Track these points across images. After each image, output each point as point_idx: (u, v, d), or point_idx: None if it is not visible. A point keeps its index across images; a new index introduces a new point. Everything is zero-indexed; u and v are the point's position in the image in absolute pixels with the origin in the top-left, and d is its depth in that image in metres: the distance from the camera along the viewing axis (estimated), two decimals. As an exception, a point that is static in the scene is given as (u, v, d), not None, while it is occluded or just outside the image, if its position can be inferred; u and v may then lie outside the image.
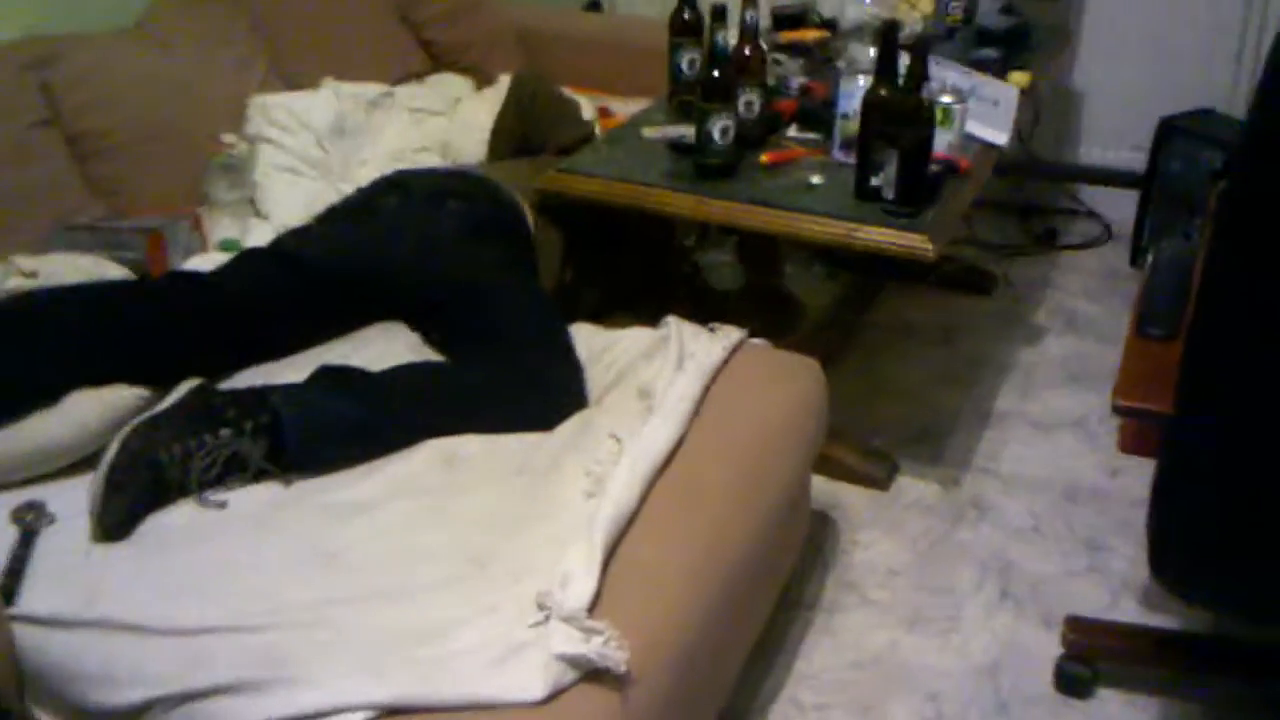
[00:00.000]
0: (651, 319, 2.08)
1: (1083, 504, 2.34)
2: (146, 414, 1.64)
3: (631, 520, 1.58)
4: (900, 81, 2.00)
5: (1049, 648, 1.96)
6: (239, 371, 1.89)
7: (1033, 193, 3.56)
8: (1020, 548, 2.22)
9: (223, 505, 1.61)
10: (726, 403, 1.84)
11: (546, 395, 1.84)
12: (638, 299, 2.42)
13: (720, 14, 2.17)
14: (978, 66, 2.53)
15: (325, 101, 2.54)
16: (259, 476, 1.65)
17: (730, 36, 2.26)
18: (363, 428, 1.71)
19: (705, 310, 2.19)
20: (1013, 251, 3.36)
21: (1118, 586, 2.12)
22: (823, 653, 1.98)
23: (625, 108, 3.04)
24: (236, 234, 2.26)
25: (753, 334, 2.05)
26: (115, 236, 2.11)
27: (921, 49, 1.99)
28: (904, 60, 2.00)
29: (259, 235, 2.26)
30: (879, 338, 2.94)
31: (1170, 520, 1.51)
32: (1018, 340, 2.93)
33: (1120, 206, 3.46)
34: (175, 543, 1.54)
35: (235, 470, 1.64)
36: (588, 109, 2.84)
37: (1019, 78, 2.56)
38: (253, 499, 1.62)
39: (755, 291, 2.42)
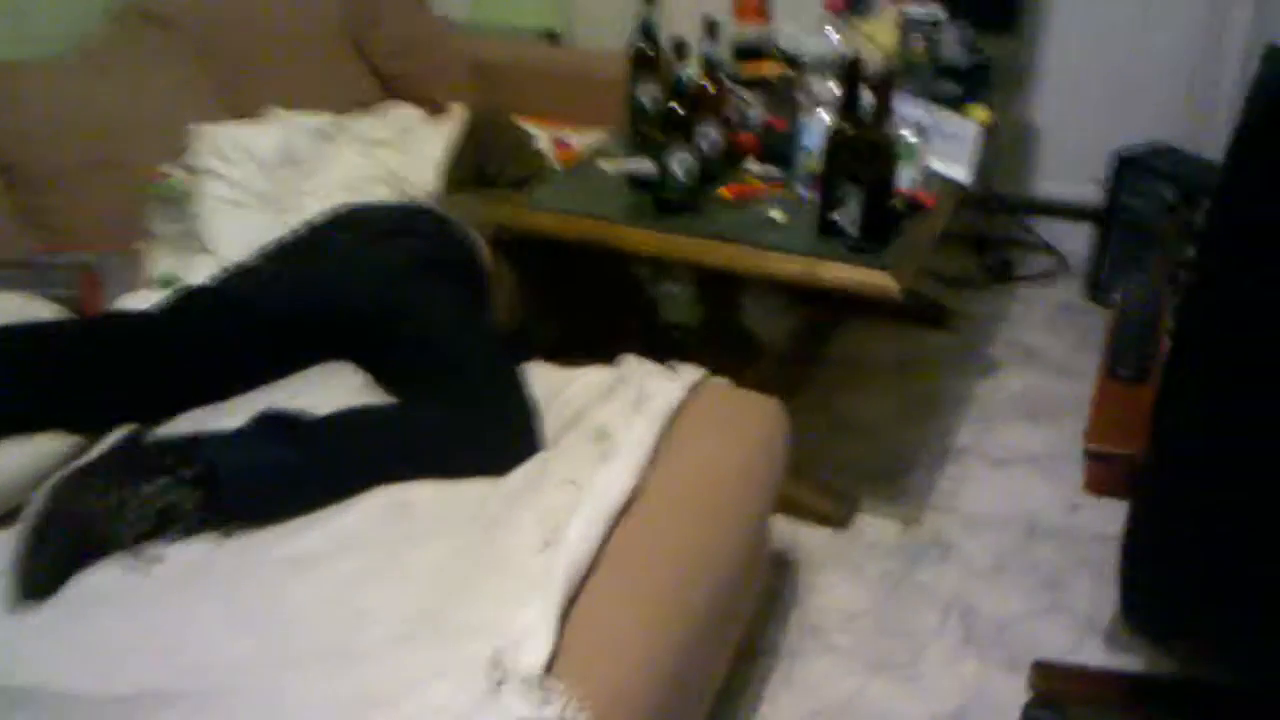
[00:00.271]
0: (608, 356, 2.03)
1: (1043, 541, 2.31)
2: (75, 463, 1.57)
3: (589, 573, 1.52)
4: (864, 118, 1.97)
5: (1015, 693, 1.92)
6: (176, 416, 1.82)
7: (987, 225, 3.56)
8: (982, 588, 2.18)
9: (157, 561, 1.53)
10: (686, 446, 1.79)
11: (500, 439, 1.78)
12: (594, 335, 2.36)
13: (681, 48, 2.14)
14: (938, 101, 2.52)
15: (272, 131, 2.47)
16: (195, 529, 1.57)
17: (691, 70, 2.23)
18: (305, 476, 1.64)
19: (663, 346, 2.14)
20: (967, 284, 3.35)
21: (1082, 626, 2.09)
22: (785, 702, 1.93)
23: (582, 139, 2.99)
24: (177, 269, 2.18)
25: (712, 372, 2.00)
26: (46, 273, 2.02)
27: (885, 85, 1.96)
28: (867, 96, 1.97)
29: (201, 270, 2.18)
30: (836, 372, 2.90)
31: (1142, 564, 1.48)
32: (974, 375, 2.91)
33: (1075, 239, 3.47)
34: (106, 603, 1.46)
35: (170, 523, 1.55)
36: (543, 141, 2.80)
37: (979, 113, 2.54)
38: (189, 554, 1.54)
39: (713, 327, 2.38)
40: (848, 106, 2.00)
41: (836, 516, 2.34)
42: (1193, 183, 3.05)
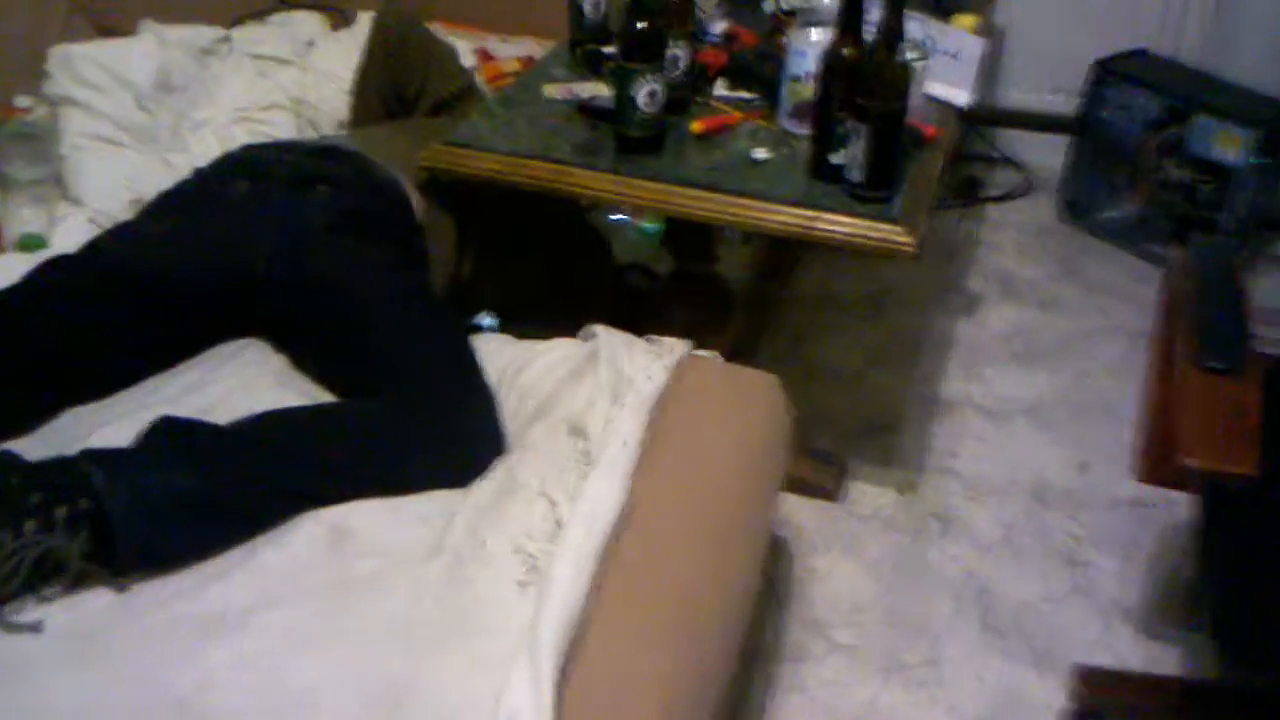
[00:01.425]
0: (565, 316, 1.72)
1: (1054, 507, 2.08)
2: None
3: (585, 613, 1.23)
4: (867, 37, 1.65)
5: (1048, 695, 1.71)
6: (50, 418, 1.47)
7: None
8: (994, 567, 1.95)
9: (35, 628, 1.19)
10: (678, 441, 1.49)
11: (456, 440, 1.46)
12: (549, 292, 2.04)
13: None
14: (920, 7, 2.21)
15: (146, 50, 2.06)
16: (81, 581, 1.23)
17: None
18: (216, 506, 1.30)
19: (628, 304, 1.83)
20: (935, 206, 3.07)
21: (1108, 609, 1.87)
22: (795, 716, 1.68)
23: (509, 49, 2.64)
24: (40, 227, 1.79)
25: (686, 330, 1.71)
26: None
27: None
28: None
29: (70, 228, 1.80)
30: (803, 314, 2.62)
31: (1252, 594, 1.23)
32: (954, 310, 2.65)
33: (1041, 154, 3.21)
34: (-34, 693, 1.13)
35: (49, 575, 1.22)
36: (465, 54, 2.42)
37: (967, 20, 2.23)
38: (75, 616, 1.21)
39: (683, 279, 2.07)
40: (849, 25, 1.68)
41: (827, 487, 2.08)
42: (1175, 92, 2.80)
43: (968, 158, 3.22)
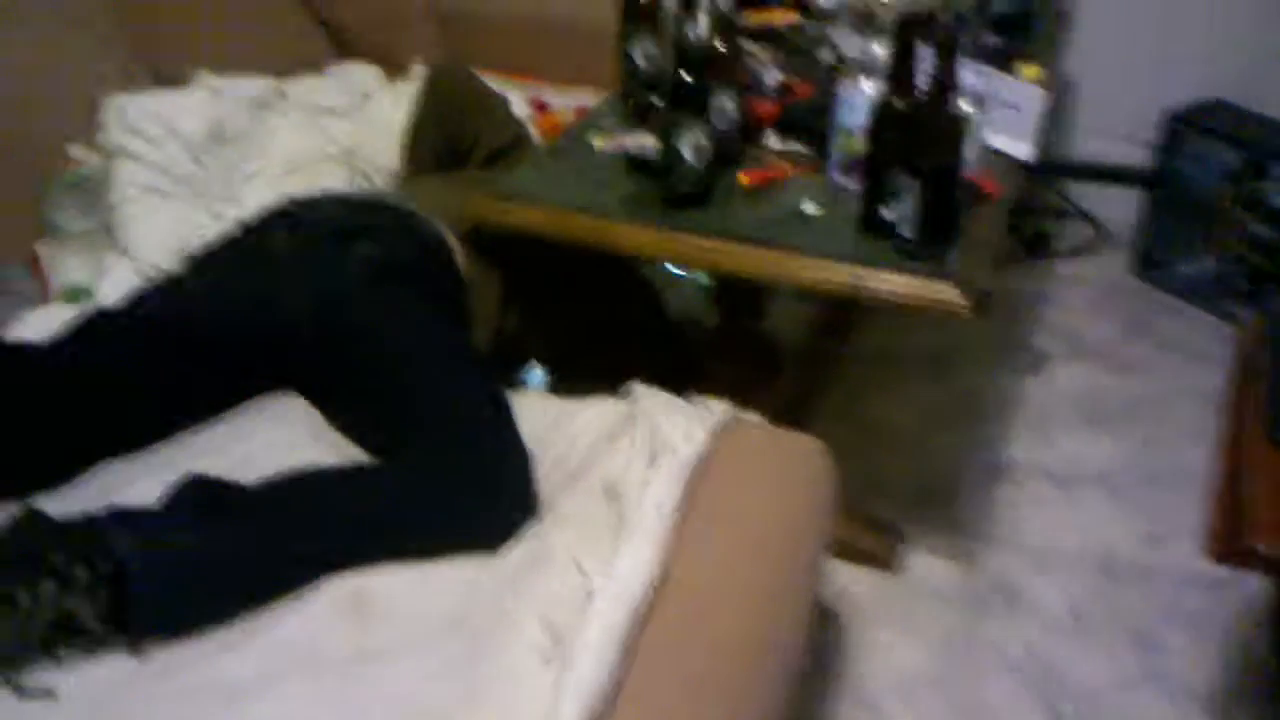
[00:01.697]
0: (613, 370, 1.67)
1: (1124, 584, 1.97)
2: (-69, 570, 1.19)
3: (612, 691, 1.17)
4: (920, 88, 1.59)
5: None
6: (84, 471, 1.45)
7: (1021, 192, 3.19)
8: (1060, 646, 1.84)
9: (49, 695, 1.16)
10: (716, 507, 1.42)
11: (487, 504, 1.40)
12: (597, 345, 1.99)
13: (688, 4, 1.74)
14: (980, 58, 2.14)
15: (199, 102, 2.05)
16: (98, 646, 1.20)
17: (700, 26, 1.83)
18: (237, 572, 1.27)
19: (678, 359, 1.77)
20: (1001, 260, 2.98)
21: (1183, 696, 1.75)
22: (838, 805, 1.60)
23: (564, 100, 2.60)
24: (87, 277, 1.79)
25: (733, 387, 1.65)
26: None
27: (949, 46, 1.57)
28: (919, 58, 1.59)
29: (117, 279, 1.79)
30: (861, 371, 2.54)
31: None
32: (1020, 369, 2.55)
33: (1113, 207, 3.11)
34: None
35: (65, 638, 1.19)
36: (519, 104, 2.40)
37: (1030, 71, 2.16)
38: (90, 681, 1.18)
39: (731, 333, 2.01)
40: (901, 75, 1.62)
41: (883, 556, 1.99)
42: (1255, 144, 2.70)
43: (1035, 211, 3.12)
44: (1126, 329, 2.71)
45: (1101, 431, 2.35)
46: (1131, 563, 2.01)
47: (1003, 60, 2.22)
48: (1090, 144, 3.15)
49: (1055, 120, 3.11)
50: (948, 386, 2.50)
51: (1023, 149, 1.95)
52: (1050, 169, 3.13)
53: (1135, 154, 2.99)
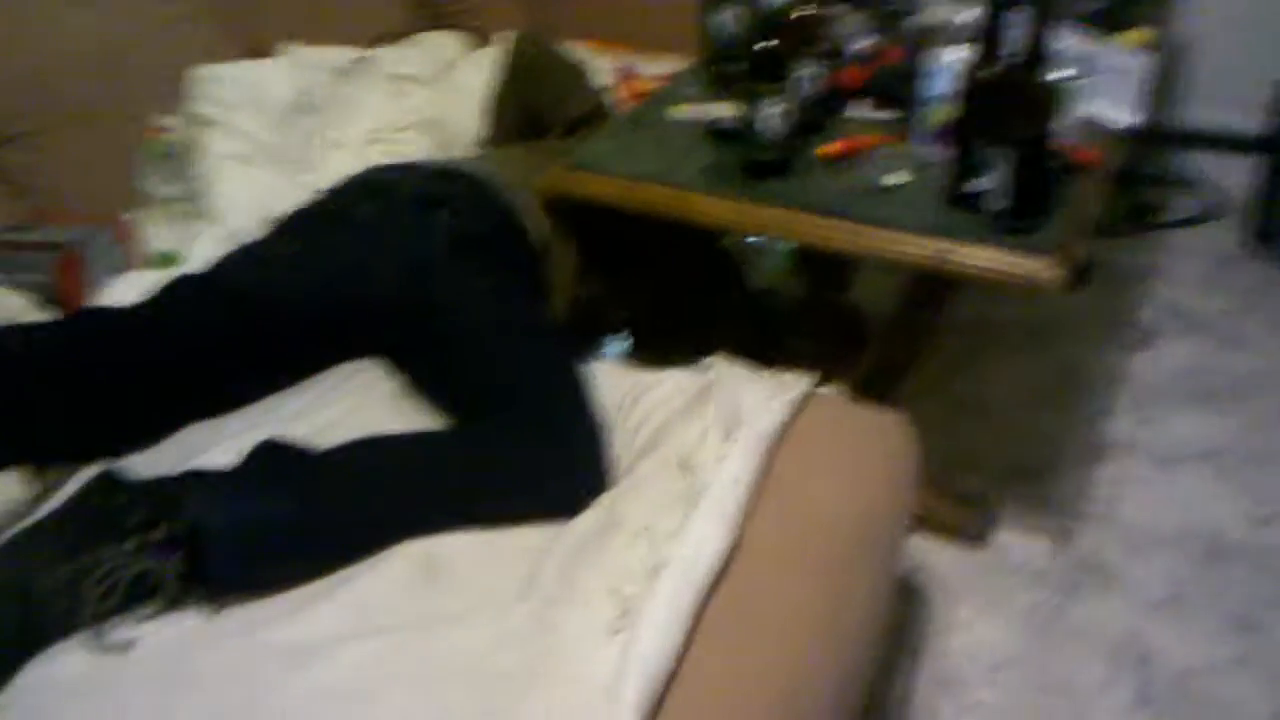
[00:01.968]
0: (692, 341, 1.64)
1: (1228, 564, 1.88)
2: (23, 524, 1.22)
3: (674, 672, 1.15)
4: (1012, 55, 1.52)
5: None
6: (169, 434, 1.47)
7: (1128, 160, 3.07)
8: (1153, 628, 1.77)
9: (126, 647, 1.18)
10: (792, 481, 1.39)
11: (561, 473, 1.40)
12: (676, 316, 1.96)
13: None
14: (1085, 21, 2.05)
15: (283, 72, 2.07)
16: (175, 604, 1.22)
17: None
18: (313, 533, 1.28)
19: (758, 329, 1.74)
20: (1108, 231, 2.87)
21: (1282, 684, 1.67)
22: (917, 786, 1.56)
23: (649, 68, 2.57)
24: (175, 244, 1.82)
25: (816, 361, 1.61)
26: (16, 256, 1.67)
27: (1042, 9, 1.51)
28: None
29: (204, 244, 1.82)
30: (956, 343, 2.46)
31: None
32: (1125, 345, 2.46)
33: (1228, 176, 2.97)
34: (58, 703, 1.14)
35: (143, 595, 1.21)
36: (603, 72, 2.37)
37: (1137, 36, 2.06)
38: (166, 637, 1.20)
39: (817, 305, 1.97)
40: (991, 41, 1.55)
41: (972, 531, 1.94)
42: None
43: (1144, 179, 3.00)
44: (1238, 304, 2.59)
45: (1208, 409, 2.25)
46: (1235, 544, 1.92)
47: (1109, 23, 2.13)
48: (1204, 110, 3.01)
49: (1167, 85, 2.98)
50: (1047, 361, 2.42)
51: (1125, 116, 1.87)
52: (1161, 136, 3.00)
53: (1251, 121, 2.84)
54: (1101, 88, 1.83)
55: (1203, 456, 2.12)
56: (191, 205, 1.90)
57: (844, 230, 1.63)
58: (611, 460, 1.42)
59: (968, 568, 1.89)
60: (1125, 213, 2.92)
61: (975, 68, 1.57)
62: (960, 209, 1.61)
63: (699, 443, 1.42)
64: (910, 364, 2.31)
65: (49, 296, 1.65)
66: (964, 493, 2.00)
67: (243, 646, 1.19)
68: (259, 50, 2.15)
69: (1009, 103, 1.53)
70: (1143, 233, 2.88)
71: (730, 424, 1.44)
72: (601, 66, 2.36)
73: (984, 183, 1.58)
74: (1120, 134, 1.85)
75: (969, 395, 2.31)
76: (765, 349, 1.91)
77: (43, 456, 1.38)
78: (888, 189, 1.69)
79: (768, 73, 1.70)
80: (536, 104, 2.10)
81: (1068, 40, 1.84)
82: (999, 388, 2.33)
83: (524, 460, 1.39)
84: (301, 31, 2.21)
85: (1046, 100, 1.53)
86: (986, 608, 1.81)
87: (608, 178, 1.74)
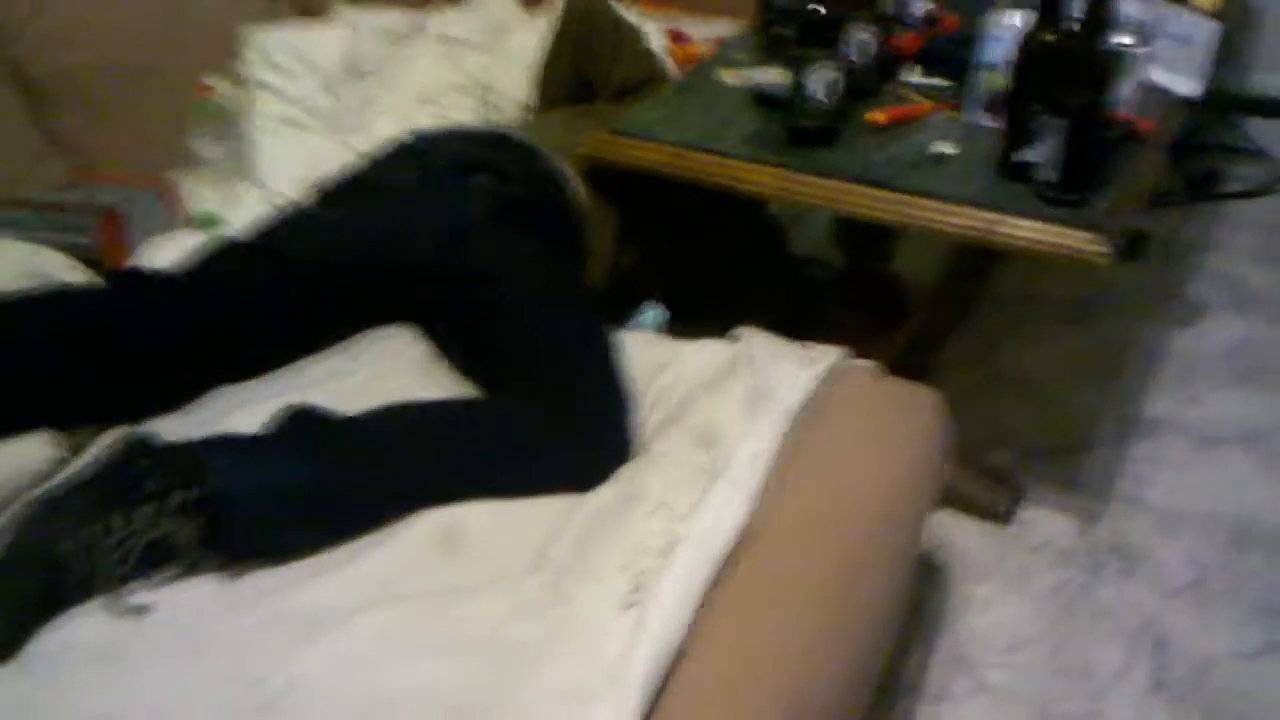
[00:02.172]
0: (730, 310, 1.66)
1: (1255, 551, 1.88)
2: (47, 487, 1.27)
3: (686, 647, 1.17)
4: (1069, 20, 1.50)
5: (1221, 768, 1.54)
6: (200, 395, 1.51)
7: (1188, 126, 3.00)
8: (1178, 613, 1.77)
9: (143, 611, 1.23)
10: (818, 457, 1.41)
11: (584, 444, 1.42)
12: (716, 284, 1.97)
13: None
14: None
15: (337, 37, 2.09)
16: (193, 569, 1.26)
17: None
18: (334, 501, 1.31)
19: (798, 298, 1.74)
20: (1162, 200, 2.81)
21: (1305, 674, 1.67)
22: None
23: (703, 31, 2.55)
24: (218, 206, 1.85)
25: (855, 332, 1.61)
26: (61, 216, 1.72)
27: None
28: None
29: (248, 207, 1.85)
30: (999, 313, 2.45)
31: None
32: (1172, 320, 2.42)
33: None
34: (74, 667, 1.16)
35: (163, 559, 1.25)
36: (655, 36, 2.36)
37: (1205, 0, 2.01)
38: (184, 602, 1.22)
39: (855, 276, 1.96)
40: (1050, 5, 1.52)
41: (998, 509, 1.94)
42: None
43: (1205, 147, 2.93)
44: (1295, 280, 2.54)
45: (1254, 389, 2.22)
46: (1268, 531, 1.91)
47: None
48: (1272, 77, 2.93)
49: (1234, 50, 2.90)
50: (1091, 334, 2.39)
51: (1188, 85, 1.83)
52: (1224, 102, 2.93)
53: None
54: (1164, 55, 1.79)
55: (1243, 439, 2.10)
56: (237, 167, 1.93)
57: (889, 202, 1.62)
58: (634, 434, 1.45)
59: (991, 545, 1.90)
60: (1182, 182, 2.86)
61: (1034, 32, 1.55)
62: (1011, 180, 1.60)
63: (723, 416, 1.44)
64: (949, 334, 2.31)
65: (90, 257, 1.69)
66: (993, 470, 2.00)
67: (260, 614, 1.22)
68: (313, 12, 2.17)
69: (1065, 70, 1.51)
70: (1199, 203, 2.82)
71: (757, 398, 1.45)
72: (652, 29, 2.35)
73: (1035, 153, 1.56)
74: (1180, 103, 1.81)
75: (1009, 368, 2.30)
76: (805, 319, 1.92)
77: (72, 419, 1.41)
78: (937, 158, 1.68)
79: (818, 38, 1.68)
80: (587, 67, 2.10)
81: (1132, 4, 1.79)
82: (1040, 361, 2.32)
83: (549, 432, 1.41)
84: (354, -5, 2.22)
85: (1104, 69, 1.51)
86: (1007, 587, 1.82)
87: (650, 144, 1.75)
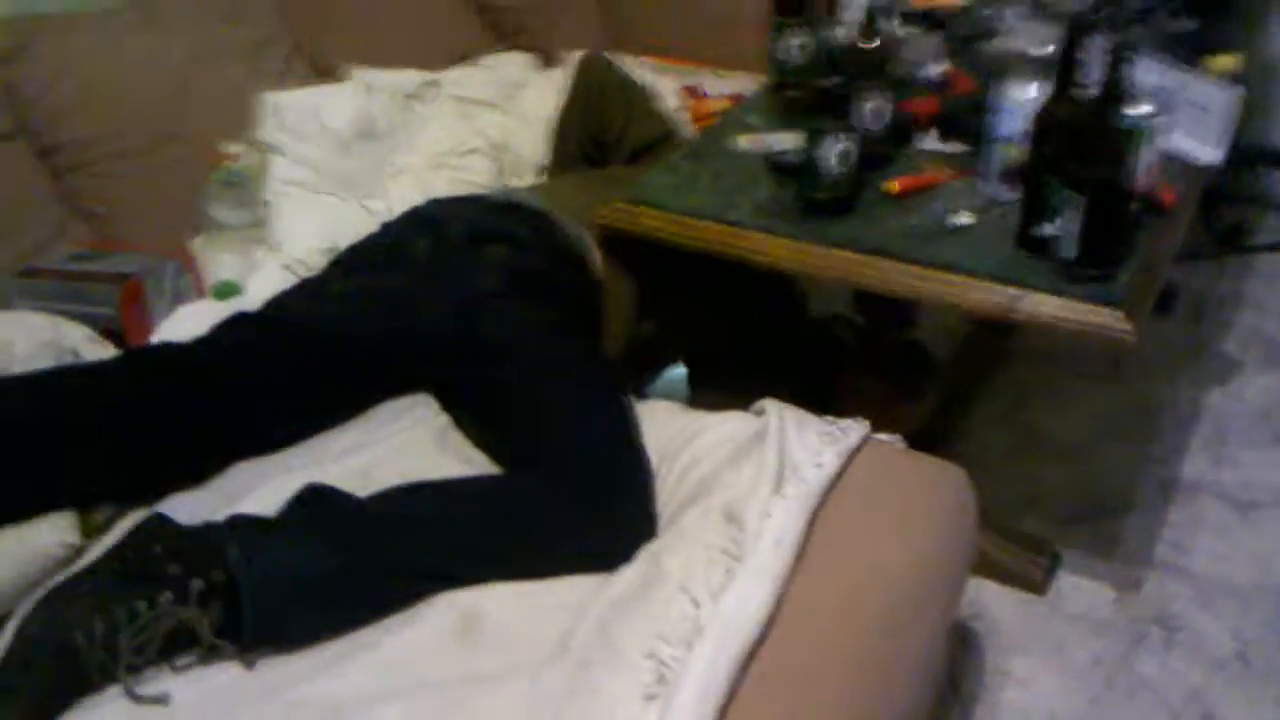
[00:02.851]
0: (750, 379, 1.62)
1: (1302, 623, 1.82)
2: (62, 576, 1.24)
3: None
4: (1087, 92, 1.47)
5: None
6: (219, 472, 1.49)
7: (1216, 178, 2.95)
8: (1222, 689, 1.71)
9: (163, 701, 1.20)
10: (843, 538, 1.36)
11: (606, 524, 1.38)
12: (733, 352, 1.94)
13: (835, 6, 1.66)
14: (1173, 45, 1.97)
15: (349, 97, 2.08)
16: (212, 657, 1.23)
17: (844, 29, 1.75)
18: (350, 587, 1.28)
19: (819, 363, 1.71)
20: (1191, 255, 2.77)
21: (1358, 754, 1.61)
22: None
23: (720, 86, 2.54)
24: (237, 273, 1.84)
25: (878, 400, 1.57)
26: (82, 285, 1.71)
27: (1124, 49, 1.45)
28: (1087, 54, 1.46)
29: (266, 275, 1.83)
30: (1028, 372, 2.40)
31: None
32: (1204, 378, 2.37)
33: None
34: (90, 762, 1.14)
35: (181, 647, 1.22)
36: (669, 93, 2.35)
37: (1225, 62, 1.98)
38: (202, 691, 1.20)
39: (876, 344, 1.92)
40: (1067, 75, 1.50)
41: (1033, 577, 1.88)
42: None
43: (1233, 199, 2.89)
44: (1329, 334, 2.49)
45: (1291, 449, 2.16)
46: (1313, 601, 1.85)
47: (1195, 46, 2.05)
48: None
49: (1261, 101, 2.87)
50: (1121, 393, 2.34)
51: (1209, 153, 1.79)
52: (1252, 154, 2.89)
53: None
54: (1184, 122, 1.76)
55: (1282, 502, 2.04)
56: (255, 232, 1.92)
57: (907, 275, 1.58)
58: (656, 513, 1.41)
59: (1027, 615, 1.84)
60: (1210, 235, 2.82)
61: (1051, 105, 1.52)
62: (1030, 253, 1.56)
63: (747, 495, 1.40)
64: (974, 395, 2.26)
65: (110, 327, 1.67)
66: (1027, 536, 1.94)
67: (281, 702, 1.19)
68: (327, 73, 2.17)
69: (1081, 144, 1.47)
70: (1229, 255, 2.78)
71: (780, 475, 1.42)
72: (669, 86, 2.34)
73: (1054, 227, 1.52)
74: (1201, 171, 1.78)
75: (1038, 427, 2.25)
76: (827, 384, 1.88)
77: (90, 499, 1.39)
78: (954, 230, 1.64)
79: (831, 109, 1.66)
80: (601, 129, 2.09)
81: (1150, 71, 1.76)
82: (1071, 421, 2.26)
83: (569, 512, 1.38)
84: (370, 54, 2.22)
85: (1123, 143, 1.47)
86: (1044, 660, 1.76)
87: (663, 213, 1.72)
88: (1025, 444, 2.20)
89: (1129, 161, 1.47)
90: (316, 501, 1.34)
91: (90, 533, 1.36)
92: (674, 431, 1.54)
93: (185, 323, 1.69)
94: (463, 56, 2.37)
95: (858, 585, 1.33)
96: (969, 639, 1.80)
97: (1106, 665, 1.75)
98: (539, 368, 1.54)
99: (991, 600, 1.86)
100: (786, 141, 1.79)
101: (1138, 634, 1.80)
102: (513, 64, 2.40)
